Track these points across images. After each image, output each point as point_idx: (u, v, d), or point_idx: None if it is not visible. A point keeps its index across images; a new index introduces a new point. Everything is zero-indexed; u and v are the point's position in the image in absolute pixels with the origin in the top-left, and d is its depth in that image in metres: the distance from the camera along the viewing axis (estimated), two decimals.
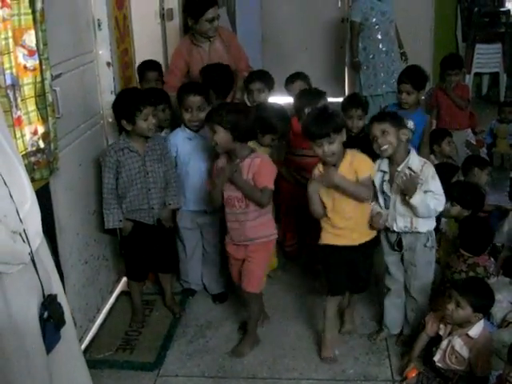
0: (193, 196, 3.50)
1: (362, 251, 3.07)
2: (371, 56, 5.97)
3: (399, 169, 2.94)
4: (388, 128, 2.90)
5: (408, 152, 2.97)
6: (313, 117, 2.97)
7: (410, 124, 3.74)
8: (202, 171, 3.44)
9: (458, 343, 2.78)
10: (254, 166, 2.98)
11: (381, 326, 3.34)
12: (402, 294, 3.21)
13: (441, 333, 2.89)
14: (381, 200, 3.03)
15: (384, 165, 3.00)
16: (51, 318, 1.94)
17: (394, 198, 2.98)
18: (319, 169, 2.97)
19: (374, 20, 5.87)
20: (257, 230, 3.08)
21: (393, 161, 2.98)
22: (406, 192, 2.89)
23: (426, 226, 3.00)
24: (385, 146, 2.92)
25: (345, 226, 2.99)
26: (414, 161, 2.95)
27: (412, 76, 4.00)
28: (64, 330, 2.05)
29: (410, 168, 2.92)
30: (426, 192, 2.89)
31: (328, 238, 3.05)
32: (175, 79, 4.12)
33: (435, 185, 2.93)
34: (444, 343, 2.84)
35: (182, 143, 3.45)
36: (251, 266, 3.12)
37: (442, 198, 2.95)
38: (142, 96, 3.24)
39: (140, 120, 3.14)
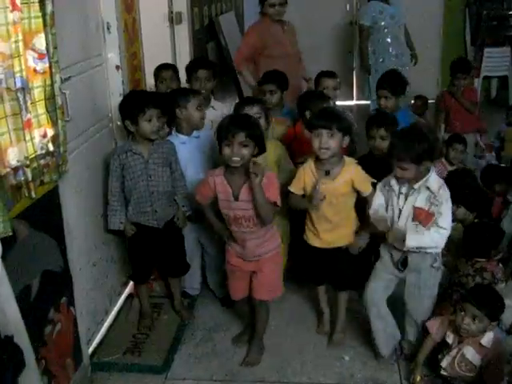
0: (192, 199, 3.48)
1: (341, 253, 3.13)
2: (381, 60, 5.95)
3: (416, 186, 2.82)
4: (408, 165, 2.75)
5: (428, 170, 2.83)
6: (321, 109, 3.01)
7: None
8: (199, 174, 3.42)
9: (471, 352, 2.75)
10: (265, 177, 2.83)
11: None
12: (382, 314, 3.09)
13: (449, 340, 2.86)
14: (395, 212, 2.90)
15: (394, 182, 2.88)
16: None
17: (404, 215, 2.86)
18: (310, 167, 2.98)
19: (383, 23, 5.85)
20: (264, 245, 3.02)
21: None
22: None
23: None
24: (402, 180, 2.82)
25: (324, 228, 3.09)
26: (434, 181, 2.82)
27: (390, 81, 3.97)
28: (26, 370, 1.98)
29: (428, 188, 2.81)
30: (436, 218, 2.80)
31: (308, 236, 3.18)
32: (245, 54, 4.98)
33: (446, 209, 2.81)
34: (454, 351, 2.82)
35: (177, 149, 3.41)
36: (267, 277, 3.07)
37: (447, 229, 2.83)
38: (146, 97, 3.25)
39: (143, 121, 3.13)
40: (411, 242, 2.78)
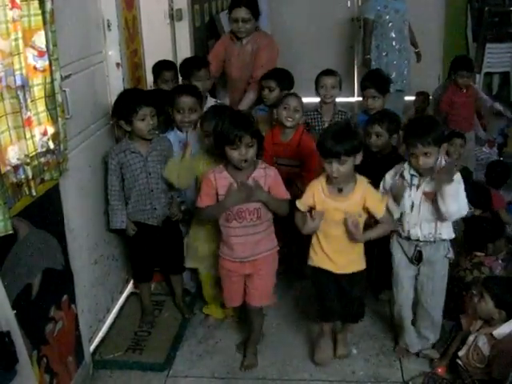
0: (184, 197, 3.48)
1: (351, 280, 2.93)
2: (384, 54, 5.94)
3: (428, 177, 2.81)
4: (431, 150, 2.72)
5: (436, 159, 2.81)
6: (329, 133, 2.78)
7: None
8: None
9: (482, 340, 2.79)
10: (269, 177, 2.85)
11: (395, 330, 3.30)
12: (410, 312, 3.12)
13: (471, 328, 2.91)
14: (407, 203, 2.86)
15: (407, 172, 2.86)
16: None
17: (419, 204, 2.84)
18: (322, 184, 2.83)
19: (388, 17, 5.84)
20: (266, 242, 2.97)
21: None
22: (441, 182, 2.73)
23: (449, 233, 2.89)
24: (425, 167, 2.76)
25: (335, 249, 2.88)
26: (443, 163, 2.83)
27: (375, 80, 3.93)
28: (20, 368, 2.00)
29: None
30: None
31: (316, 259, 2.95)
32: (212, 65, 4.33)
33: (461, 188, 2.81)
34: (470, 338, 2.86)
35: (173, 145, 3.40)
36: (263, 280, 3.01)
37: (465, 203, 2.84)
38: (137, 97, 3.22)
39: (137, 121, 3.13)
40: (452, 207, 2.74)
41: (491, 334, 2.76)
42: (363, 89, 3.93)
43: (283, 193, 2.92)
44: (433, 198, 2.80)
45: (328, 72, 4.06)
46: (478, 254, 3.28)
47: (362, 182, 2.82)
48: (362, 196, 2.78)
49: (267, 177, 2.86)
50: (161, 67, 4.02)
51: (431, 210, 2.84)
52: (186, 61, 4.15)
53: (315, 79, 4.07)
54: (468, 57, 5.72)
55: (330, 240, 2.88)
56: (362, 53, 6.15)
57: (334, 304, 3.00)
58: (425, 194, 2.83)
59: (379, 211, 2.80)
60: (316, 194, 2.84)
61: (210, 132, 3.04)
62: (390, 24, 5.86)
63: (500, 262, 3.30)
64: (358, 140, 2.76)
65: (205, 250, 3.28)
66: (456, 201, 2.76)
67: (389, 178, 2.97)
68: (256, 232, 2.91)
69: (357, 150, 2.72)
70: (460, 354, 2.88)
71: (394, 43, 5.91)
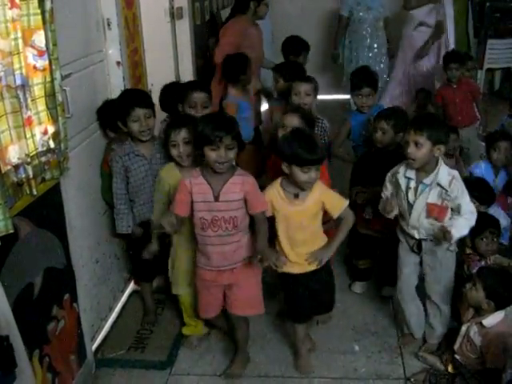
0: None
1: (319, 276, 2.95)
2: (354, 50, 6.10)
3: (426, 181, 2.80)
4: (423, 141, 2.73)
5: (437, 162, 2.81)
6: (302, 143, 2.72)
7: None
8: None
9: (473, 330, 2.80)
10: (247, 184, 2.72)
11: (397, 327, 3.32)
12: (415, 297, 3.12)
13: (464, 319, 2.91)
14: (404, 206, 2.89)
15: (411, 172, 2.84)
16: None
17: (418, 210, 2.84)
18: (277, 190, 2.82)
19: (361, 14, 6.02)
20: (242, 251, 2.84)
21: (420, 169, 2.82)
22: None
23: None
24: (411, 161, 2.78)
25: (297, 253, 2.90)
26: (443, 175, 2.79)
27: (368, 78, 3.89)
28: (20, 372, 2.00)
29: (439, 184, 2.78)
30: (455, 210, 2.80)
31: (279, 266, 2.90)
32: (226, 52, 4.58)
33: (465, 200, 2.79)
34: (463, 329, 2.86)
35: None
36: (245, 290, 2.90)
37: (473, 216, 2.82)
38: (131, 98, 3.19)
39: (130, 122, 3.10)
40: (455, 234, 2.77)
41: (481, 323, 2.76)
42: (358, 88, 3.83)
43: (259, 204, 2.76)
44: (437, 216, 2.81)
45: (303, 78, 3.85)
46: (468, 251, 3.28)
47: (318, 185, 2.84)
48: (319, 199, 2.82)
49: (245, 183, 2.72)
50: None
51: (433, 223, 2.84)
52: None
53: (290, 85, 3.84)
54: (458, 50, 5.72)
55: (295, 244, 2.90)
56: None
57: (304, 304, 3.03)
58: (429, 206, 2.82)
59: (334, 212, 2.84)
60: (274, 200, 2.84)
61: None
62: (361, 21, 6.02)
63: (483, 263, 3.28)
64: (322, 149, 2.89)
65: (183, 270, 3.14)
66: (460, 231, 2.80)
67: (387, 181, 2.99)
68: (232, 241, 2.79)
69: (325, 157, 2.92)
70: (455, 347, 2.88)
71: (364, 40, 6.09)
